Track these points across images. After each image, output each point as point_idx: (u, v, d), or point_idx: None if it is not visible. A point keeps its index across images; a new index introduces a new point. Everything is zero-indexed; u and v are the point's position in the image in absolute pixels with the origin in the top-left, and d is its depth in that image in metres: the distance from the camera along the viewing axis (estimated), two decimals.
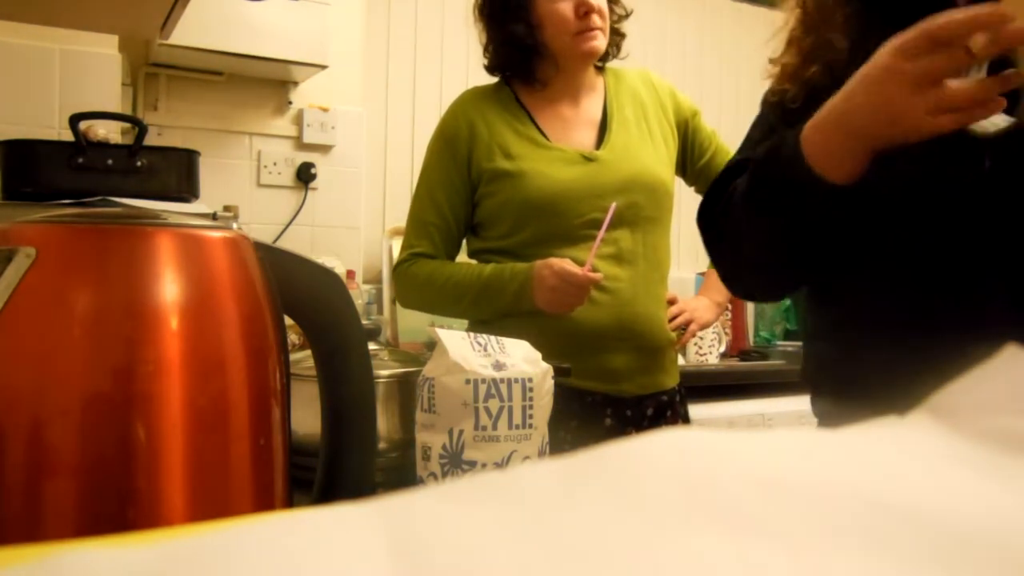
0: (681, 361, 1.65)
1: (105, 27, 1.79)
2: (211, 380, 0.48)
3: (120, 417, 0.45)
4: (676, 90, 1.57)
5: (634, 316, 1.39)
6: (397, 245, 2.13)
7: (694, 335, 1.61)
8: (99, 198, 1.38)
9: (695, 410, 1.61)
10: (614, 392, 1.41)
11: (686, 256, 2.83)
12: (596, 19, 1.40)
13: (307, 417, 0.61)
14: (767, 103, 0.98)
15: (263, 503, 0.51)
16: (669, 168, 1.50)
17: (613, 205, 1.32)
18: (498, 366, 0.77)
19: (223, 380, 0.49)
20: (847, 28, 0.87)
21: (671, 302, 1.55)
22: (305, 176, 2.33)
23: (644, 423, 1.44)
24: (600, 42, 1.42)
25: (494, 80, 1.53)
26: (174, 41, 1.88)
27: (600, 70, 1.54)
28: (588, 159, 1.42)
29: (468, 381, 0.75)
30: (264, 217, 2.29)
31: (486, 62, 1.51)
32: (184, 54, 2.04)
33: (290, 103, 2.32)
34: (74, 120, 1.43)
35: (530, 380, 0.78)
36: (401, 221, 1.62)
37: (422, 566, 0.18)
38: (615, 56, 1.54)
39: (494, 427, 0.76)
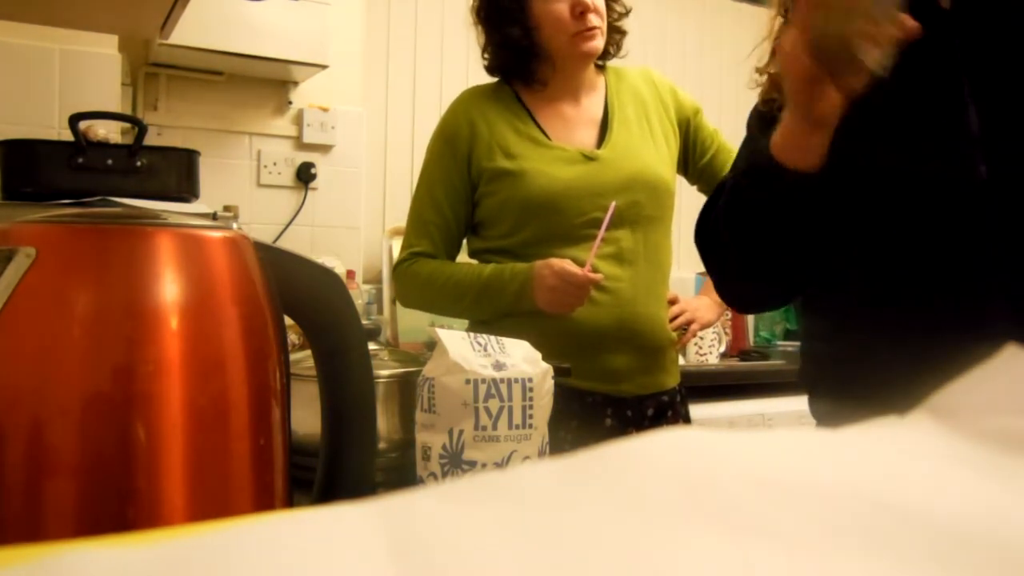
0: (681, 361, 1.65)
1: (105, 27, 1.79)
2: (211, 380, 0.48)
3: (120, 417, 0.45)
4: (677, 88, 1.56)
5: (635, 316, 1.39)
6: (397, 245, 2.13)
7: (695, 335, 1.61)
8: (99, 198, 1.38)
9: (695, 410, 1.61)
10: (614, 392, 1.40)
11: (686, 256, 2.82)
12: (593, 18, 1.40)
13: (307, 417, 0.61)
14: (756, 112, 0.98)
15: (263, 503, 0.51)
16: (670, 167, 1.50)
17: (613, 204, 1.32)
18: (498, 366, 0.77)
19: (223, 380, 0.49)
20: None
21: (672, 302, 1.55)
22: (305, 176, 2.33)
23: (645, 423, 1.44)
24: (598, 42, 1.42)
25: (494, 79, 1.52)
26: (174, 41, 1.88)
27: (601, 69, 1.53)
28: (589, 158, 1.41)
29: (468, 381, 0.75)
30: (264, 217, 2.29)
31: (485, 63, 1.51)
32: (184, 54, 2.04)
33: (290, 103, 2.32)
34: (74, 120, 1.43)
35: (530, 380, 0.78)
36: (401, 221, 1.62)
37: (422, 566, 0.18)
38: (616, 54, 1.54)
39: (494, 427, 0.76)
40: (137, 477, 0.45)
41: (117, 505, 0.45)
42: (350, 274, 2.26)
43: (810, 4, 0.72)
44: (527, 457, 0.77)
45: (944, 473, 0.23)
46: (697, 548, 0.19)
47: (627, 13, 1.53)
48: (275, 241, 1.95)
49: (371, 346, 0.87)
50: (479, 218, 1.46)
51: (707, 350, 2.38)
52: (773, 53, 0.93)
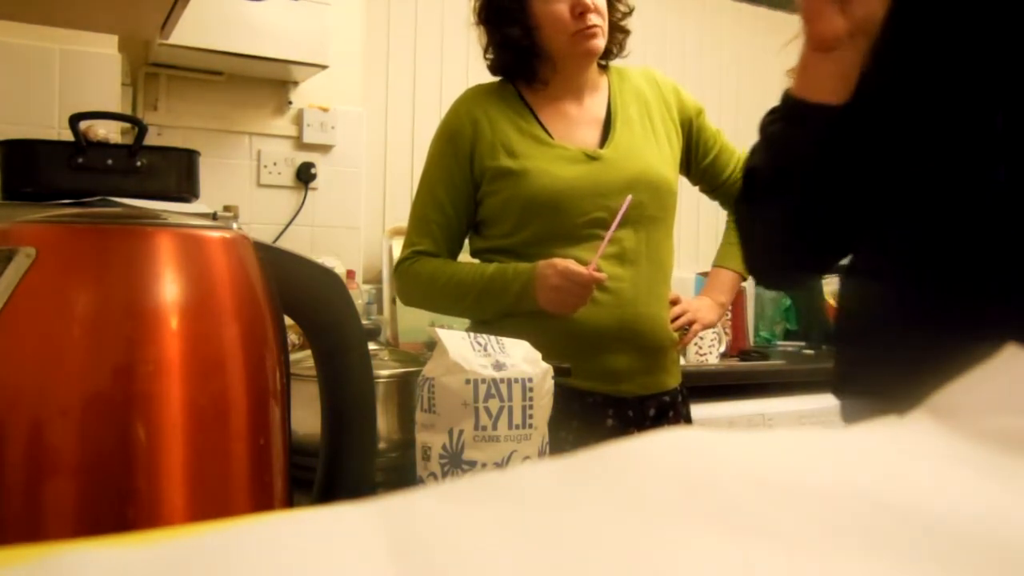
0: (681, 361, 1.64)
1: (105, 27, 1.79)
2: (211, 380, 0.48)
3: (120, 417, 0.45)
4: (680, 88, 1.56)
5: (636, 316, 1.39)
6: (397, 245, 2.13)
7: (696, 335, 1.60)
8: (99, 198, 1.38)
9: (695, 410, 1.61)
10: (615, 393, 1.40)
11: (686, 256, 2.82)
12: (593, 18, 1.39)
13: (307, 417, 0.61)
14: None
15: (263, 503, 0.51)
16: (673, 167, 1.49)
17: (628, 197, 1.31)
18: (498, 366, 0.77)
19: (223, 380, 0.49)
20: None
21: (674, 302, 1.55)
22: (305, 176, 2.33)
23: (646, 424, 1.44)
24: (599, 41, 1.41)
25: (497, 78, 1.52)
26: (174, 41, 1.88)
27: (604, 68, 1.53)
28: (592, 158, 1.41)
29: (468, 381, 0.75)
30: (264, 217, 2.29)
31: (488, 63, 1.51)
32: (184, 54, 2.04)
33: (290, 103, 2.32)
34: (74, 120, 1.43)
35: (530, 380, 0.78)
36: (401, 221, 1.62)
37: (422, 566, 0.18)
38: (619, 54, 1.53)
39: (494, 427, 0.76)
40: (137, 477, 0.45)
41: (117, 505, 0.45)
42: (350, 274, 2.26)
43: None
44: (527, 457, 0.77)
45: (944, 473, 0.23)
46: (697, 548, 0.19)
47: (630, 12, 1.52)
48: (275, 241, 1.95)
49: (371, 346, 0.87)
50: (481, 217, 1.46)
51: (707, 350, 2.38)
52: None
